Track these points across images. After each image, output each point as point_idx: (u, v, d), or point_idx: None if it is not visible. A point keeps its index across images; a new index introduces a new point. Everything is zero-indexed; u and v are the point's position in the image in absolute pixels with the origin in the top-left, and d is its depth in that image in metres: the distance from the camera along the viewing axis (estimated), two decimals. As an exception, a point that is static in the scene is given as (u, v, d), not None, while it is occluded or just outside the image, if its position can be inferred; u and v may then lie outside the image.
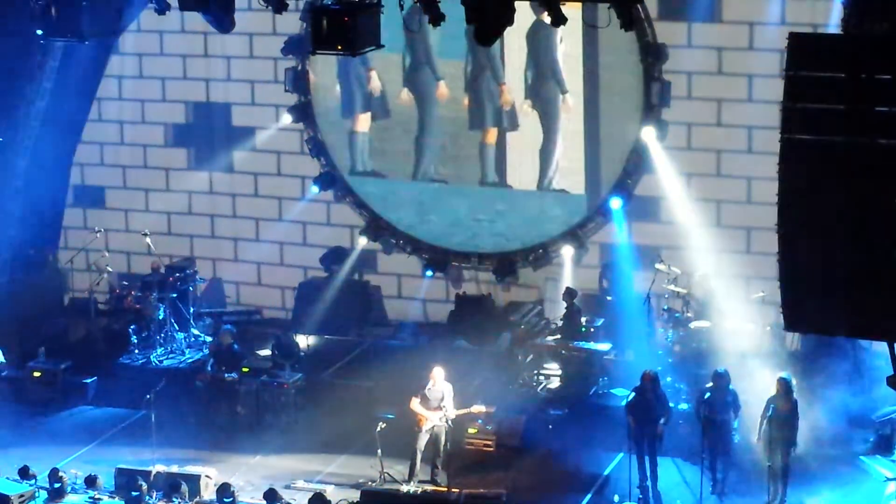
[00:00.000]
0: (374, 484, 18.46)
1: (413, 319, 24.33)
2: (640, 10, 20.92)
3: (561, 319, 22.12)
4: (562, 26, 16.83)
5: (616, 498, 18.01)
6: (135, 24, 23.91)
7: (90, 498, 18.09)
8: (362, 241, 24.28)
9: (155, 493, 18.01)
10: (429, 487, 18.39)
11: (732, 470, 18.35)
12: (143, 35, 24.71)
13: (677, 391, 20.23)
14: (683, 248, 22.15)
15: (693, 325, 21.31)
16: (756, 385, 18.80)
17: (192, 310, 23.39)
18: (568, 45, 22.66)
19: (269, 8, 18.83)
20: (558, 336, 21.84)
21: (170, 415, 19.79)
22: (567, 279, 23.10)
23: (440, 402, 18.55)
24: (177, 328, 23.14)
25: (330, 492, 18.15)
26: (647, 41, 22.06)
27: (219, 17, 18.79)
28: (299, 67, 24.02)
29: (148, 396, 19.08)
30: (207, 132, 25.20)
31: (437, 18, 16.78)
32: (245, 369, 21.27)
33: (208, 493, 18.27)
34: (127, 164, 25.73)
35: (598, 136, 22.88)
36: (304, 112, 24.19)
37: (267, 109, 24.69)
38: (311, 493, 17.59)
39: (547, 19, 17.13)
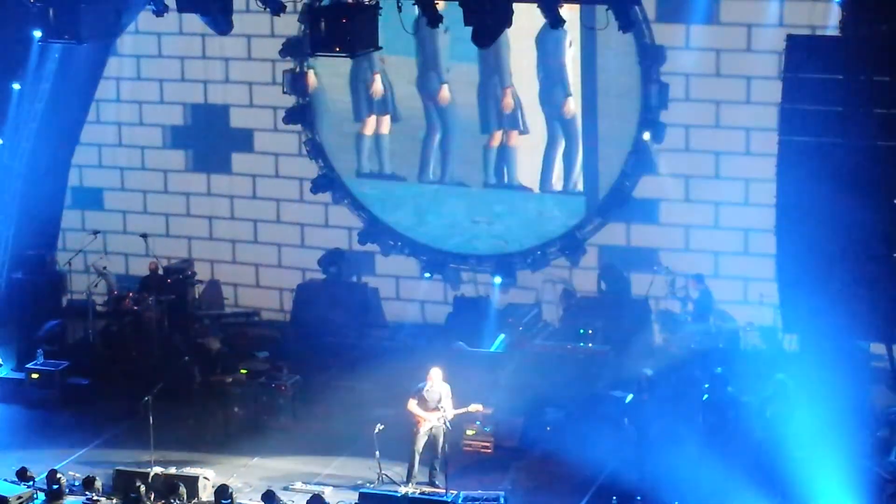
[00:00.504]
0: (372, 485, 18.42)
1: (411, 321, 24.33)
2: (639, 11, 20.90)
3: (559, 321, 22.09)
4: (561, 27, 16.85)
5: (614, 499, 17.99)
6: (133, 25, 23.85)
7: (88, 499, 18.06)
8: None
9: (153, 494, 18.00)
10: (427, 489, 18.37)
11: (730, 469, 18.33)
12: (141, 37, 24.68)
13: (677, 391, 20.22)
14: (681, 250, 22.14)
15: (691, 326, 21.30)
16: (754, 386, 18.79)
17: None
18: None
19: (267, 10, 18.86)
20: (557, 338, 21.81)
21: (168, 417, 19.76)
22: (565, 281, 23.08)
23: (438, 403, 18.51)
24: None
25: (328, 493, 18.12)
26: (645, 43, 22.06)
27: (217, 19, 18.82)
28: (297, 69, 24.02)
29: (146, 399, 19.04)
30: (206, 134, 25.20)
31: (435, 20, 16.79)
32: (243, 371, 21.26)
33: (206, 494, 18.25)
34: (125, 165, 25.72)
35: (596, 138, 22.87)
36: (302, 114, 24.19)
37: (265, 111, 24.70)
38: (310, 495, 17.62)
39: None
